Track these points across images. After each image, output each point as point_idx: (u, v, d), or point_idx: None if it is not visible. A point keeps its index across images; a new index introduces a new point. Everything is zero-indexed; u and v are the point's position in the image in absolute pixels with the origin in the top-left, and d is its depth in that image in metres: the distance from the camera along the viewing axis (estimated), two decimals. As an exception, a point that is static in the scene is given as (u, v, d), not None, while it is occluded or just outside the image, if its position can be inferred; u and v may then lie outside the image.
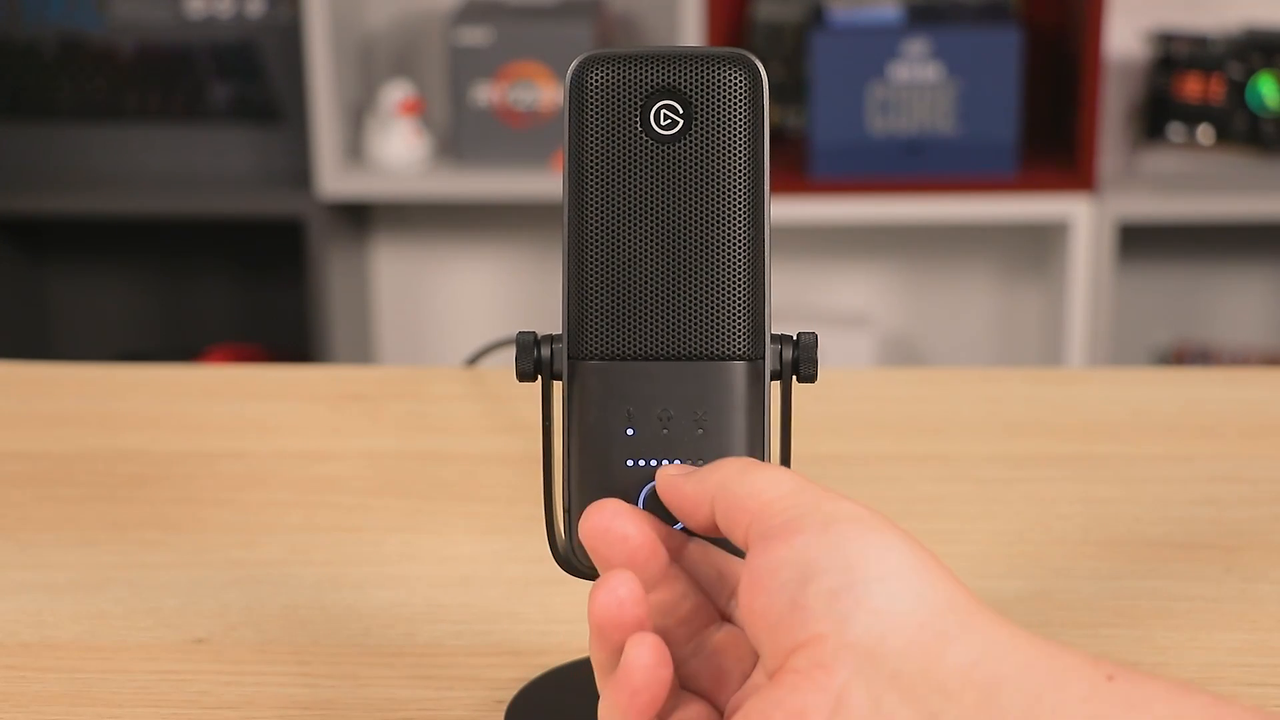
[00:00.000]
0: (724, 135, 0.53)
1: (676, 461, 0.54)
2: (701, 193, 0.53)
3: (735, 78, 0.53)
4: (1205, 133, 2.35)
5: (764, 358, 0.54)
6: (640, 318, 0.54)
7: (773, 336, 0.55)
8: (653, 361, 0.54)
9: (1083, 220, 2.28)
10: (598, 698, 0.50)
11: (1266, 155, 2.34)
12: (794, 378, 0.55)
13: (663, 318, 0.54)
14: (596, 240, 0.54)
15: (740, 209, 0.53)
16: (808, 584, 0.46)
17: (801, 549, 0.46)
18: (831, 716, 0.44)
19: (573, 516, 0.55)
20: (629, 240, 0.54)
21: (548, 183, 2.33)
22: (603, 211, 0.54)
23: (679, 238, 0.54)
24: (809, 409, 0.62)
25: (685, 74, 0.53)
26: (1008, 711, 0.42)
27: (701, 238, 0.54)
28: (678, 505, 0.51)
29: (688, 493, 0.51)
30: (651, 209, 0.54)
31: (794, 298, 2.59)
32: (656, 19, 2.50)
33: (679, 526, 0.53)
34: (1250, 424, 0.91)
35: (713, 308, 0.54)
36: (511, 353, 0.55)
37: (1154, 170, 2.43)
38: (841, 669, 0.44)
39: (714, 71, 0.53)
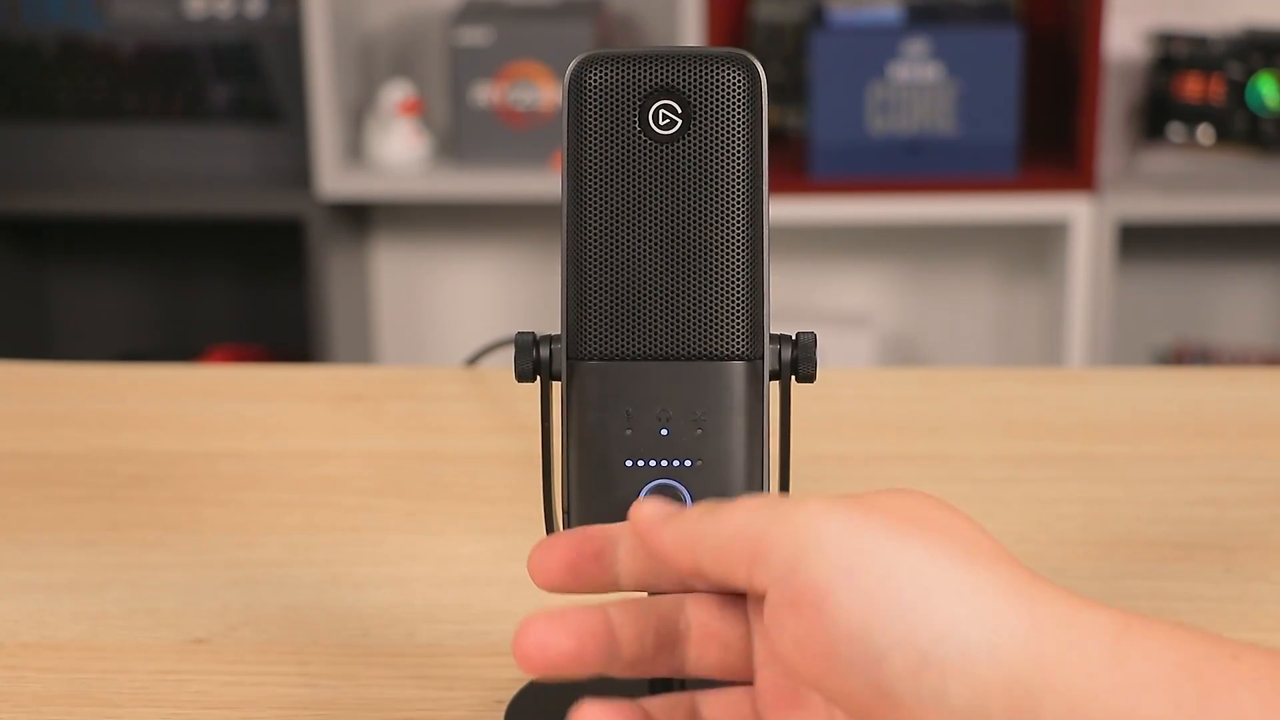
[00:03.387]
0: (723, 135, 0.53)
1: (671, 463, 0.54)
2: (700, 193, 0.53)
3: (734, 78, 0.53)
4: (1205, 133, 2.35)
5: (763, 358, 0.54)
6: (639, 318, 0.54)
7: (772, 336, 0.55)
8: (651, 362, 0.54)
9: (1083, 220, 2.28)
10: (597, 698, 0.50)
11: (1266, 155, 2.34)
12: (793, 377, 0.55)
13: (662, 318, 0.54)
14: (595, 240, 0.54)
15: (739, 209, 0.54)
16: (880, 666, 0.43)
17: (845, 623, 0.43)
18: None
19: (572, 517, 0.55)
20: (628, 240, 0.54)
21: (547, 183, 2.33)
22: (601, 212, 0.54)
23: (678, 238, 0.54)
24: (809, 409, 0.62)
25: (684, 74, 0.53)
26: None
27: (700, 238, 0.54)
28: (658, 553, 0.48)
29: (668, 541, 0.48)
30: (650, 209, 0.54)
31: (794, 298, 2.59)
32: (656, 19, 2.50)
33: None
34: (1250, 424, 0.91)
35: (712, 308, 0.54)
36: (511, 353, 0.55)
37: (1154, 170, 2.43)
38: None
39: (712, 71, 0.53)
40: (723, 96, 0.53)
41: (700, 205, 0.53)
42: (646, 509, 0.48)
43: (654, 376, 0.54)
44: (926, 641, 0.43)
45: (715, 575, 0.47)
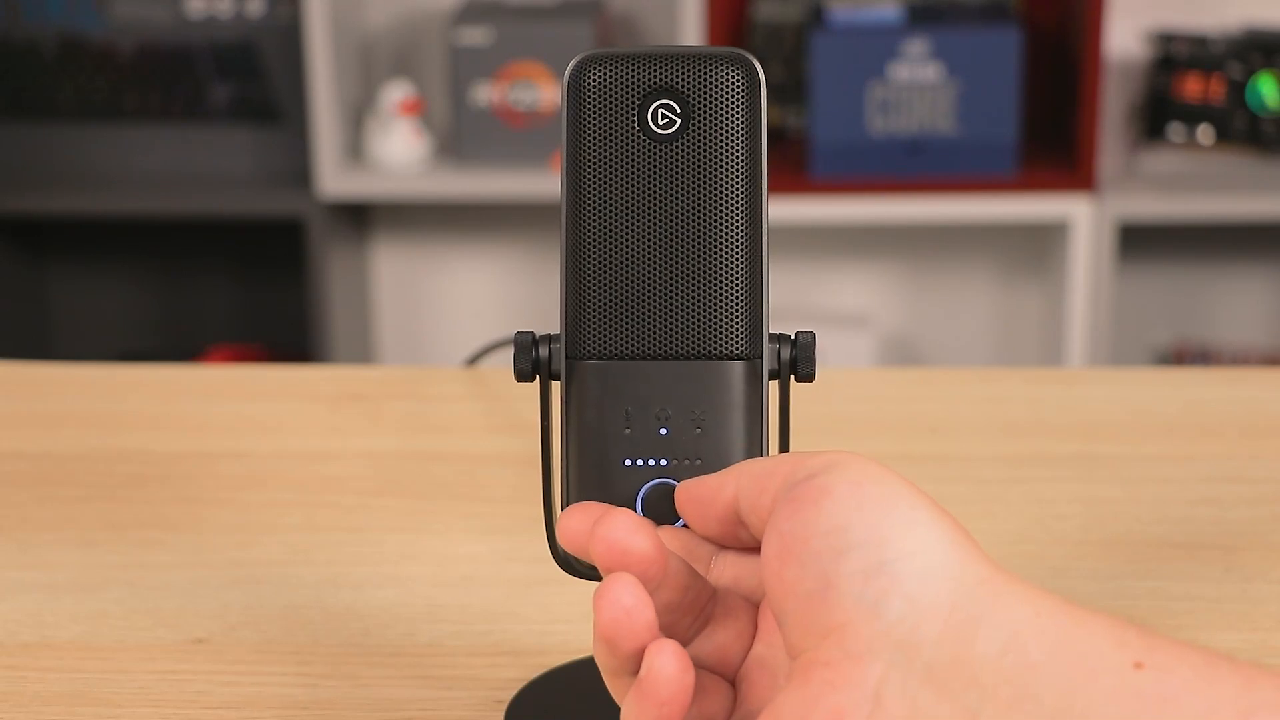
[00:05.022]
0: (722, 135, 0.53)
1: (670, 462, 0.54)
2: (699, 192, 0.53)
3: (733, 77, 0.53)
4: (1205, 133, 2.35)
5: (762, 357, 0.54)
6: (638, 317, 0.54)
7: (771, 336, 0.55)
8: (651, 361, 0.54)
9: (1083, 220, 2.28)
10: (598, 698, 0.50)
11: (1266, 155, 2.34)
12: (792, 377, 0.55)
13: (661, 317, 0.54)
14: (594, 240, 0.54)
15: (738, 208, 0.54)
16: (840, 559, 0.45)
17: (832, 515, 0.46)
18: (870, 717, 0.43)
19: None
20: (627, 240, 0.54)
21: (547, 183, 2.33)
22: (601, 211, 0.54)
23: (677, 237, 0.54)
24: (808, 409, 0.62)
25: (683, 74, 0.53)
26: (1041, 707, 0.42)
27: (699, 237, 0.54)
28: (698, 495, 0.51)
29: (710, 483, 0.51)
30: (649, 209, 0.54)
31: (794, 298, 2.59)
32: (656, 19, 2.50)
33: (679, 523, 0.53)
34: (1250, 424, 0.91)
35: (711, 307, 0.54)
36: (511, 353, 0.55)
37: (1154, 170, 2.43)
38: (876, 662, 0.44)
39: (711, 71, 0.53)
40: (722, 96, 0.53)
41: (699, 205, 0.53)
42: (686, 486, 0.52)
43: (653, 376, 0.54)
44: (891, 552, 0.45)
45: (747, 501, 0.49)
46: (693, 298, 0.54)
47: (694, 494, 0.51)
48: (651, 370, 0.54)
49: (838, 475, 0.47)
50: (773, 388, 0.55)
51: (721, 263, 0.54)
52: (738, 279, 0.54)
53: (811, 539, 0.46)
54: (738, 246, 0.54)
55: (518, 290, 2.67)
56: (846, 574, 0.45)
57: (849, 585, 0.45)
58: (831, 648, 0.45)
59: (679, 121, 0.53)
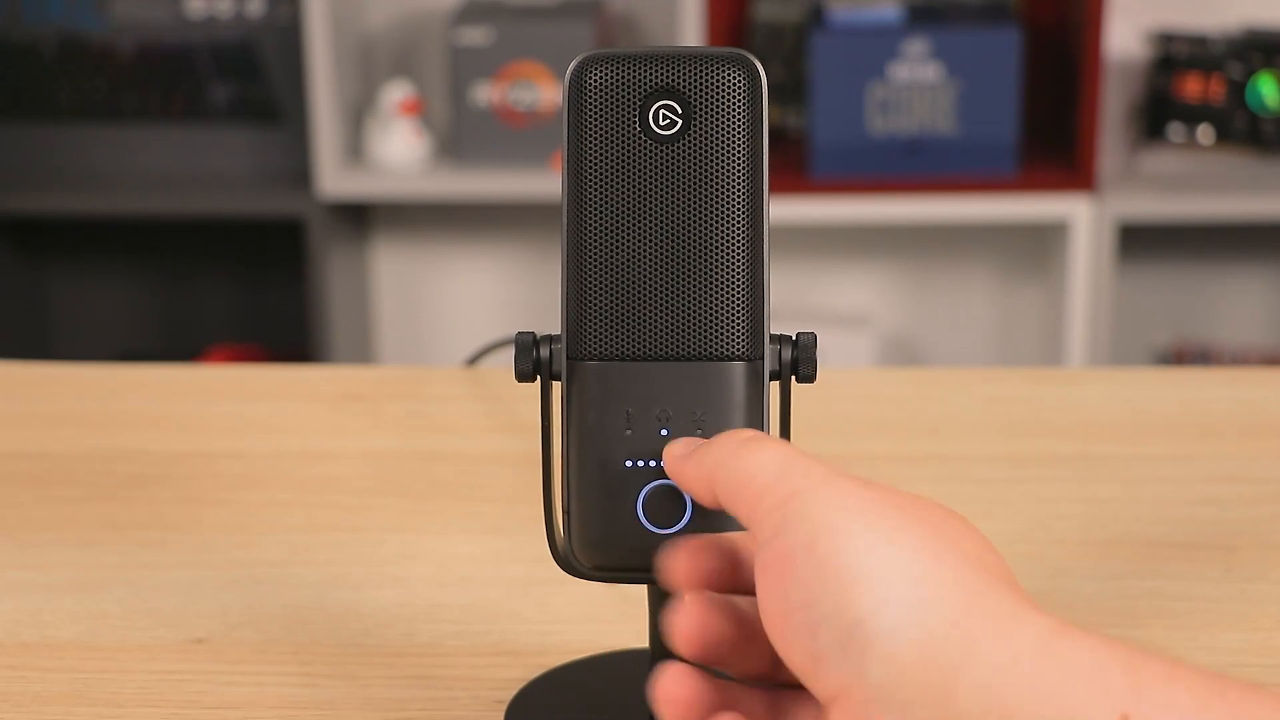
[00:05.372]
0: (723, 135, 0.53)
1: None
2: (700, 193, 0.53)
3: (734, 78, 0.53)
4: (1205, 133, 2.35)
5: (763, 358, 0.54)
6: (639, 318, 0.54)
7: (772, 336, 0.55)
8: (651, 362, 0.54)
9: (1083, 220, 2.28)
10: (598, 698, 0.50)
11: (1266, 155, 2.34)
12: (793, 378, 0.55)
13: (661, 318, 0.54)
14: (595, 240, 0.54)
15: (739, 209, 0.53)
16: (817, 633, 0.45)
17: (798, 589, 0.45)
18: None
19: (572, 517, 0.55)
20: (628, 241, 0.54)
21: (547, 183, 2.33)
22: (601, 212, 0.54)
23: (678, 238, 0.54)
24: (809, 409, 0.62)
25: (684, 74, 0.53)
26: None
27: (700, 238, 0.54)
28: (683, 486, 0.52)
29: (689, 475, 0.51)
30: (650, 209, 0.54)
31: (794, 298, 2.59)
32: (656, 19, 2.50)
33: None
34: (1250, 424, 0.91)
35: (711, 308, 0.54)
36: (511, 353, 0.55)
37: (1154, 170, 2.43)
38: None
39: (713, 71, 0.53)
40: (723, 96, 0.53)
41: (700, 205, 0.53)
42: (675, 447, 0.52)
43: (654, 377, 0.54)
44: (852, 619, 0.44)
45: (730, 509, 0.50)
46: (694, 298, 0.54)
47: (678, 482, 0.52)
48: (652, 371, 0.54)
49: (793, 538, 0.46)
50: (773, 388, 0.55)
51: (723, 263, 0.54)
52: (739, 280, 0.54)
53: (790, 614, 0.46)
54: (739, 247, 0.54)
55: (518, 290, 2.67)
56: (825, 646, 0.45)
57: (831, 656, 0.45)
58: (838, 713, 0.45)
59: (680, 122, 0.53)
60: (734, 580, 0.52)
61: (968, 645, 0.43)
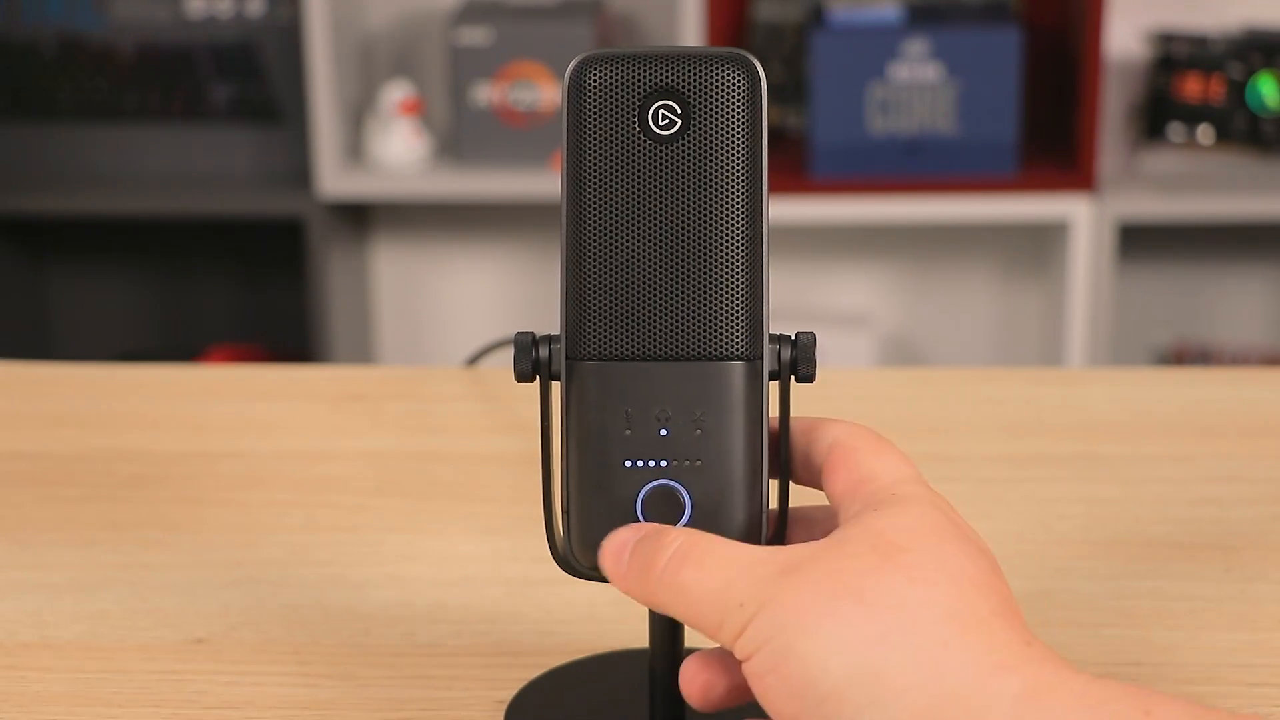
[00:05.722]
0: (722, 135, 0.53)
1: (671, 463, 0.54)
2: (700, 193, 0.53)
3: (734, 78, 0.53)
4: (1205, 133, 2.35)
5: (762, 358, 0.54)
6: (638, 318, 0.54)
7: (771, 336, 0.55)
8: (651, 362, 0.54)
9: (1083, 220, 2.28)
10: (598, 698, 0.50)
11: (1266, 155, 2.34)
12: (792, 378, 0.55)
13: (661, 318, 0.54)
14: (595, 241, 0.54)
15: (738, 209, 0.53)
16: (842, 705, 0.47)
17: (779, 707, 0.48)
18: None
19: (572, 517, 0.55)
20: (627, 241, 0.54)
21: (547, 183, 2.33)
22: (601, 212, 0.54)
23: (677, 238, 0.54)
24: (808, 409, 0.62)
25: (683, 74, 0.53)
26: None
27: (700, 238, 0.53)
28: (632, 596, 0.53)
29: (640, 592, 0.52)
30: (650, 209, 0.53)
31: (794, 298, 2.59)
32: (656, 19, 2.50)
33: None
34: (1250, 424, 0.91)
35: (711, 308, 0.54)
36: (511, 353, 0.55)
37: (1154, 170, 2.43)
38: None
39: (712, 71, 0.53)
40: (722, 96, 0.53)
41: (700, 205, 0.53)
42: (604, 563, 0.53)
43: (653, 377, 0.54)
44: (878, 701, 0.47)
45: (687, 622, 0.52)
46: (693, 298, 0.54)
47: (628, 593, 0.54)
48: (652, 371, 0.54)
49: (763, 663, 0.49)
50: (773, 388, 0.55)
51: (722, 263, 0.54)
52: (738, 280, 0.54)
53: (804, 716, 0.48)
54: (738, 247, 0.53)
55: (518, 290, 2.67)
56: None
57: None
58: None
59: (680, 122, 0.53)
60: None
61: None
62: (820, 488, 0.55)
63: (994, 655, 0.47)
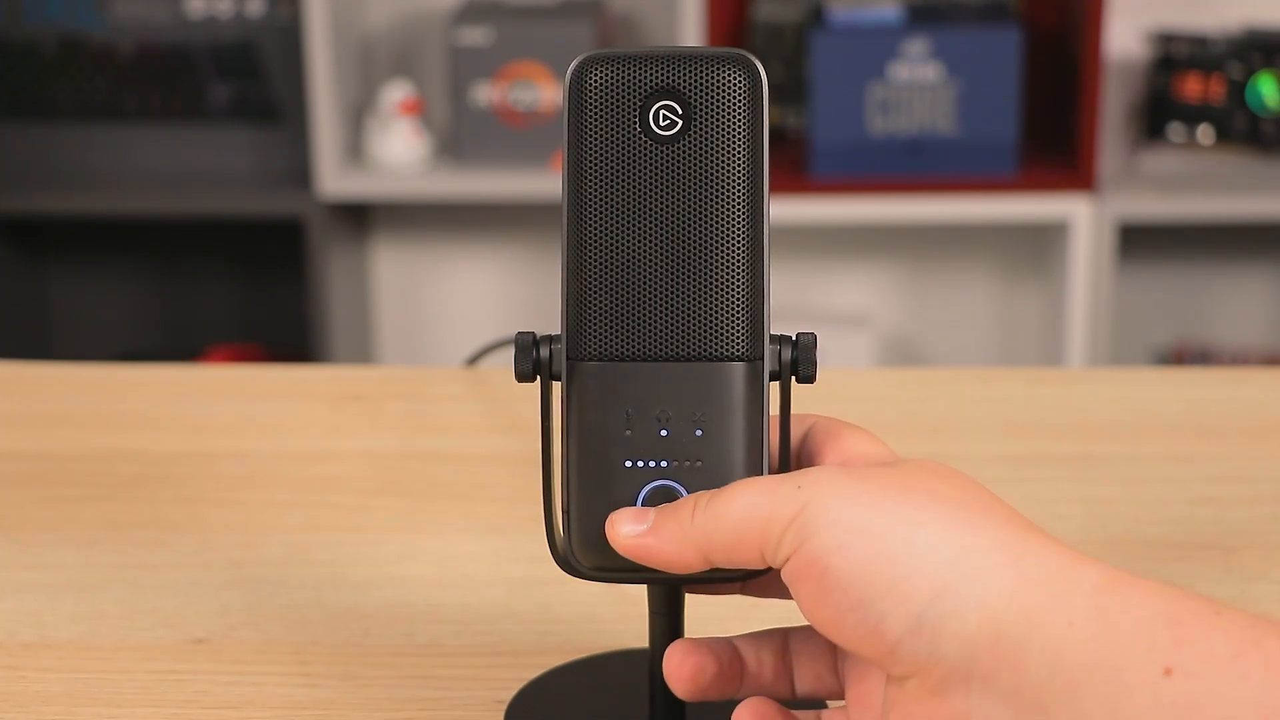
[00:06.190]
0: (723, 136, 0.53)
1: (671, 464, 0.54)
2: (701, 193, 0.53)
3: (734, 78, 0.53)
4: (1205, 133, 2.35)
5: (763, 358, 0.54)
6: (639, 318, 0.54)
7: (772, 337, 0.55)
8: (651, 362, 0.54)
9: (1083, 220, 2.28)
10: (598, 698, 0.50)
11: (1266, 155, 2.34)
12: (793, 378, 0.55)
13: (661, 318, 0.54)
14: (595, 241, 0.54)
15: (739, 209, 0.53)
16: (880, 629, 0.47)
17: (846, 595, 0.48)
18: None
19: (572, 517, 0.55)
20: (628, 241, 0.54)
21: (548, 183, 2.33)
22: (602, 212, 0.54)
23: (678, 238, 0.53)
24: (809, 409, 0.62)
25: (684, 74, 0.53)
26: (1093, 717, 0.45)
27: (700, 238, 0.53)
28: (654, 562, 0.52)
29: (666, 550, 0.52)
30: (651, 210, 0.53)
31: (794, 298, 2.59)
32: (656, 19, 2.50)
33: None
34: (1250, 424, 0.91)
35: (711, 308, 0.54)
36: (511, 353, 0.55)
37: (1154, 170, 2.43)
38: (956, 695, 0.47)
39: (713, 72, 0.53)
40: (723, 97, 0.53)
41: (700, 206, 0.53)
42: (623, 527, 0.52)
43: (654, 377, 0.54)
44: (918, 607, 0.47)
45: (729, 563, 0.51)
46: (694, 299, 0.54)
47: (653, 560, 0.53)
48: (652, 371, 0.54)
49: (820, 545, 0.48)
50: (773, 389, 0.55)
51: (723, 264, 0.53)
52: (739, 280, 0.54)
53: (843, 617, 0.48)
54: (739, 248, 0.53)
55: (518, 290, 2.67)
56: (896, 637, 0.47)
57: (905, 644, 0.47)
58: (915, 688, 0.47)
59: (680, 122, 0.53)
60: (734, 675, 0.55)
61: (1026, 616, 0.46)
62: None
63: (1066, 552, 0.47)
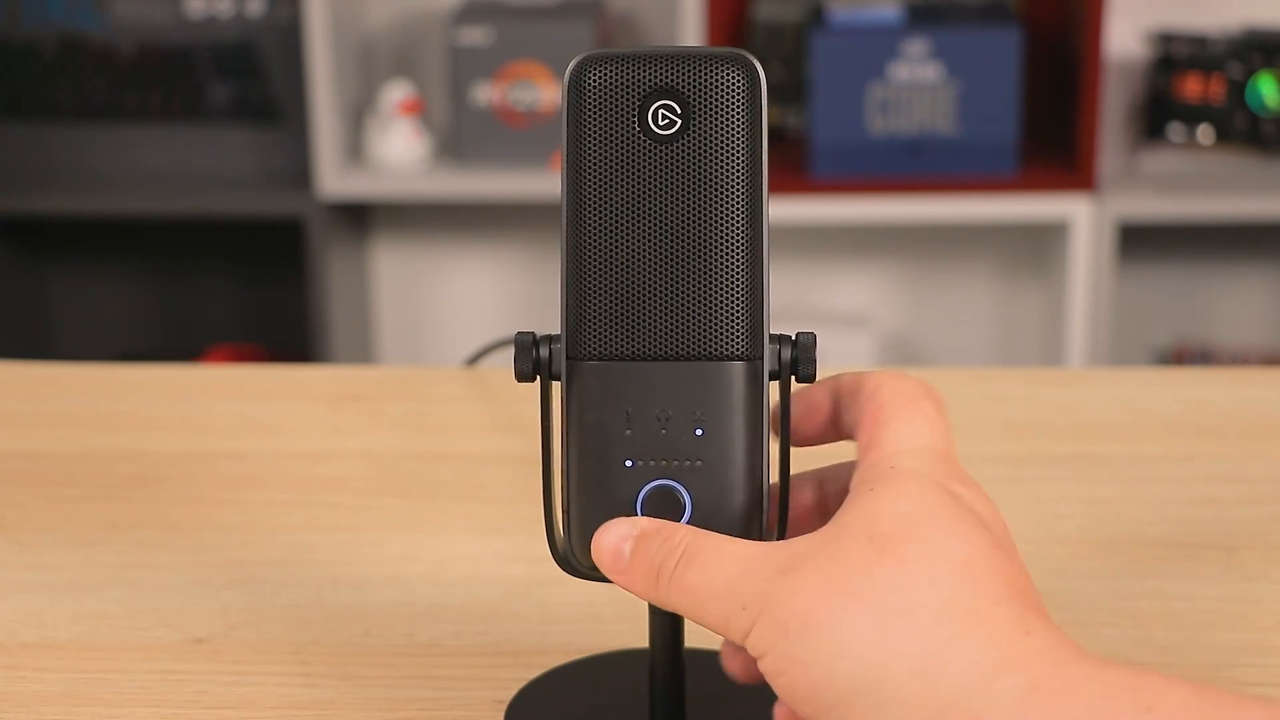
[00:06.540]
0: (722, 135, 0.53)
1: (671, 463, 0.54)
2: (700, 193, 0.53)
3: (733, 78, 0.53)
4: (1205, 133, 2.35)
5: (762, 358, 0.54)
6: (639, 318, 0.54)
7: (771, 336, 0.55)
8: (651, 362, 0.54)
9: (1083, 220, 2.28)
10: (598, 698, 0.50)
11: (1266, 155, 2.34)
12: (793, 378, 0.55)
13: (661, 318, 0.54)
14: (595, 240, 0.54)
15: (738, 209, 0.53)
16: (851, 710, 0.48)
17: (802, 698, 0.49)
18: None
19: (572, 517, 0.55)
20: (627, 240, 0.54)
21: (547, 183, 2.33)
22: (601, 212, 0.54)
23: (677, 238, 0.53)
24: (808, 409, 0.62)
25: (683, 74, 0.53)
26: None
27: (700, 238, 0.53)
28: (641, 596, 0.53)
29: (636, 585, 0.53)
30: (650, 209, 0.53)
31: (794, 298, 2.59)
32: (656, 19, 2.50)
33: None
34: (1250, 424, 0.91)
35: (711, 308, 0.54)
36: (511, 353, 0.55)
37: (1154, 170, 2.43)
38: None
39: (712, 71, 0.53)
40: (722, 96, 0.53)
41: (700, 205, 0.53)
42: (603, 556, 0.53)
43: (654, 377, 0.54)
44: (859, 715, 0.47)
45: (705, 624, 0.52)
46: (693, 298, 0.54)
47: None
48: (652, 371, 0.54)
49: (779, 656, 0.49)
50: (773, 388, 0.55)
51: (722, 263, 0.53)
52: (738, 280, 0.54)
53: (803, 709, 0.49)
54: (738, 247, 0.53)
55: (518, 290, 2.67)
56: None
57: None
58: None
59: (679, 122, 0.53)
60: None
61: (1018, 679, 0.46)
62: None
63: (994, 651, 0.47)
